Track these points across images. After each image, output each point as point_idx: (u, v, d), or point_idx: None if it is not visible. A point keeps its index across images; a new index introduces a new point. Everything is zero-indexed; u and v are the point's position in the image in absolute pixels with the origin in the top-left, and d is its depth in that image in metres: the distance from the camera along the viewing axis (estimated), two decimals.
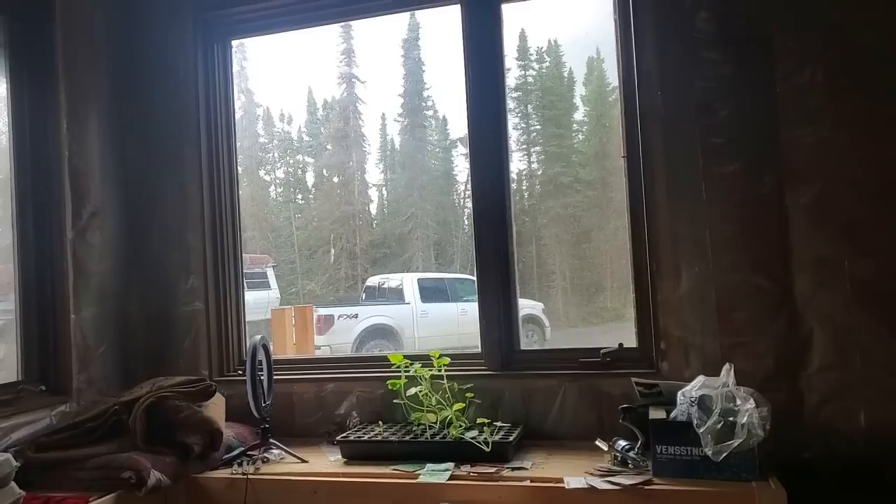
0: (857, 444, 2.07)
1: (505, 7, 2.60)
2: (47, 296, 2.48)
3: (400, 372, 2.38)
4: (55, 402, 2.40)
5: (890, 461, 2.02)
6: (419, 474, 2.01)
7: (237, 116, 2.96)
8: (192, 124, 2.80)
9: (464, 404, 2.31)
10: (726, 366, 1.88)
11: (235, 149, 2.93)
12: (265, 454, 2.31)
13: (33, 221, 2.48)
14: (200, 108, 2.82)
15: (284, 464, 2.25)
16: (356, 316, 8.40)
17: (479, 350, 2.55)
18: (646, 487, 1.80)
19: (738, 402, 1.78)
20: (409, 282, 8.94)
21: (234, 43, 2.99)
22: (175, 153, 2.81)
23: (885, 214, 2.07)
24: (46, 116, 2.49)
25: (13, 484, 1.84)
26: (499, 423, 2.31)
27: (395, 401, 2.40)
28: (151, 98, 2.84)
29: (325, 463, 2.23)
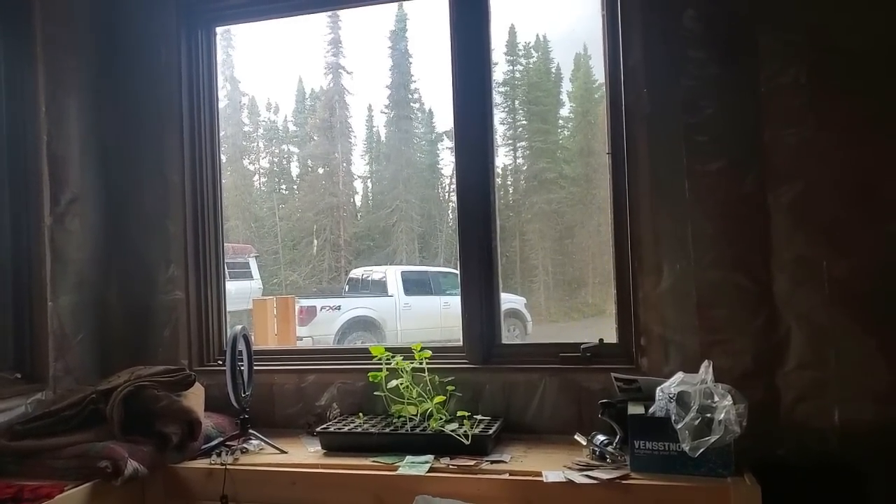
0: (831, 441, 2.10)
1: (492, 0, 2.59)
2: (24, 282, 2.44)
3: (381, 364, 2.38)
4: (31, 389, 2.37)
5: (862, 458, 2.05)
6: (399, 466, 2.01)
7: (221, 105, 2.93)
8: (175, 111, 2.77)
9: (444, 397, 2.31)
10: (705, 363, 1.89)
11: (219, 137, 2.90)
12: (244, 445, 2.29)
13: (10, 206, 2.44)
14: (183, 95, 2.78)
15: (263, 454, 2.24)
16: (339, 307, 8.39)
17: (461, 343, 2.55)
18: (623, 482, 1.81)
19: (716, 398, 1.80)
20: (392, 274, 8.95)
21: (220, 30, 2.95)
22: (157, 140, 2.77)
23: (863, 215, 2.09)
24: (24, 99, 2.45)
25: None
26: (479, 417, 2.32)
27: (375, 393, 2.40)
28: (133, 84, 2.80)
29: (304, 454, 2.22)
